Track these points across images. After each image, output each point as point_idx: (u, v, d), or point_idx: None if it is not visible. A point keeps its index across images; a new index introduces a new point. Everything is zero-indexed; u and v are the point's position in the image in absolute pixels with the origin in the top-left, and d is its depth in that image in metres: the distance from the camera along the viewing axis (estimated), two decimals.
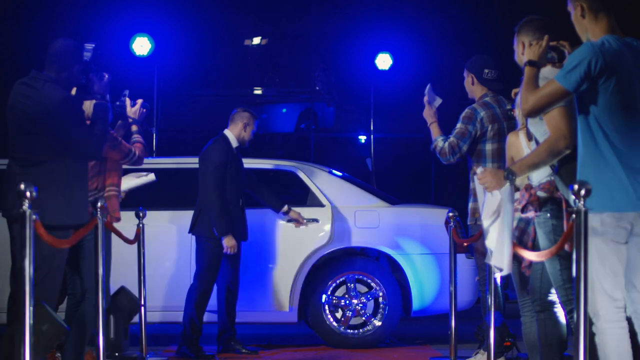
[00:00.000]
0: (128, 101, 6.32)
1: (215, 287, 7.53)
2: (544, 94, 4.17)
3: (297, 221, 7.80)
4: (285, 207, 7.75)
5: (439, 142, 6.68)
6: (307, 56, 19.27)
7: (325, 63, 19.47)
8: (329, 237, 7.86)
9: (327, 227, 7.85)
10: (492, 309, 5.75)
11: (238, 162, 7.60)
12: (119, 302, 6.97)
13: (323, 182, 8.16)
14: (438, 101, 6.78)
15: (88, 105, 5.46)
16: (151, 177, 7.17)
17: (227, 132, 7.66)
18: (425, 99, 6.78)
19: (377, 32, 16.87)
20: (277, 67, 20.24)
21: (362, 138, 19.22)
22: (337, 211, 7.94)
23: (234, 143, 7.61)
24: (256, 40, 20.68)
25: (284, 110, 20.33)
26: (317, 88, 19.44)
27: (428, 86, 6.81)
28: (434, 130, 6.74)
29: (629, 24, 4.42)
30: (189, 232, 7.53)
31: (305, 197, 8.05)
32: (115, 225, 6.05)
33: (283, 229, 7.92)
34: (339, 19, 18.14)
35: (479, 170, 4.53)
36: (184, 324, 7.41)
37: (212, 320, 7.72)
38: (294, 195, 8.23)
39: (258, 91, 20.12)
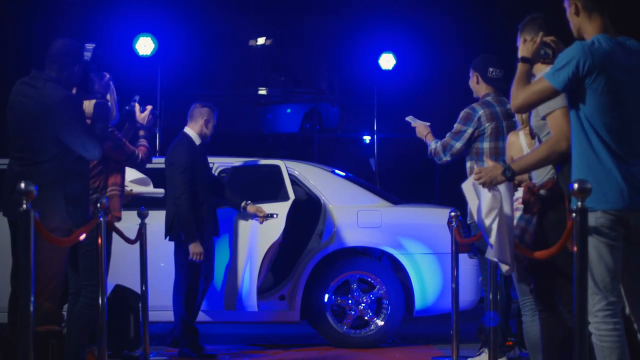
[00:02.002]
0: (137, 107, 6.33)
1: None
2: (533, 91, 4.21)
3: (257, 216, 7.56)
4: (243, 203, 7.57)
5: (432, 144, 6.87)
6: (311, 56, 19.29)
7: (329, 63, 19.50)
8: (282, 230, 7.54)
9: (283, 220, 7.56)
10: (491, 308, 5.75)
11: (204, 159, 7.51)
12: (128, 300, 7.03)
13: (321, 182, 8.15)
14: (425, 124, 7.03)
15: (88, 105, 5.47)
16: (160, 191, 7.18)
17: (187, 130, 7.52)
18: (413, 124, 7.03)
19: (380, 32, 16.88)
20: (282, 67, 20.26)
21: (367, 138, 19.23)
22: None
23: (197, 140, 7.48)
24: (260, 41, 20.70)
25: (289, 110, 20.35)
26: (323, 87, 19.47)
27: (410, 117, 7.08)
28: (429, 139, 6.96)
29: (629, 24, 4.42)
30: (165, 238, 7.41)
31: (278, 192, 7.93)
32: (117, 224, 6.05)
33: (236, 224, 7.73)
34: (343, 19, 18.15)
35: (476, 167, 4.54)
36: (177, 327, 7.39)
37: (207, 320, 7.75)
38: (273, 190, 8.09)
39: (262, 91, 20.13)
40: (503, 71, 6.81)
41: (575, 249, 3.96)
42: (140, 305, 7.09)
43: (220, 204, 7.74)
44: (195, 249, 7.23)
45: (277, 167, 7.88)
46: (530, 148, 5.12)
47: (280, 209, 7.56)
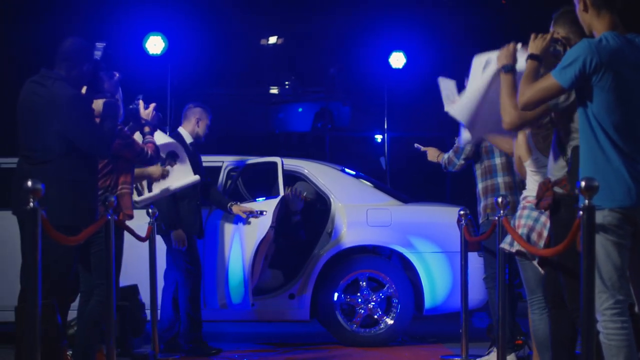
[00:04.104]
0: (142, 104, 6.36)
1: (163, 282, 7.50)
2: (540, 88, 4.19)
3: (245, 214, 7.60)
4: (229, 204, 7.65)
5: (444, 157, 6.98)
6: (322, 55, 19.26)
7: (339, 62, 19.48)
8: (270, 226, 7.57)
9: (269, 216, 7.57)
10: (499, 306, 5.74)
11: (194, 157, 7.54)
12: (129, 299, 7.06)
13: (331, 180, 8.16)
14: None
15: (97, 104, 5.48)
16: (196, 177, 7.20)
17: (181, 129, 7.69)
18: (422, 149, 7.21)
19: (390, 30, 16.84)
20: (293, 66, 20.26)
21: (378, 137, 19.21)
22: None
23: (189, 139, 7.61)
24: (272, 40, 20.69)
25: (300, 109, 20.35)
26: (334, 86, 19.45)
27: (416, 145, 7.31)
28: (440, 158, 7.07)
29: (629, 24, 4.40)
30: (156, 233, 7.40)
31: (277, 188, 7.95)
32: (128, 222, 6.05)
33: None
34: (353, 18, 18.12)
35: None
36: (182, 323, 7.40)
37: (207, 319, 7.75)
38: (273, 187, 8.11)
39: (274, 90, 20.14)
40: None
41: (581, 247, 3.96)
42: (131, 303, 7.12)
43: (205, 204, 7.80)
44: (177, 236, 7.30)
45: (275, 164, 7.92)
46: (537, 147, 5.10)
47: (269, 206, 7.61)
